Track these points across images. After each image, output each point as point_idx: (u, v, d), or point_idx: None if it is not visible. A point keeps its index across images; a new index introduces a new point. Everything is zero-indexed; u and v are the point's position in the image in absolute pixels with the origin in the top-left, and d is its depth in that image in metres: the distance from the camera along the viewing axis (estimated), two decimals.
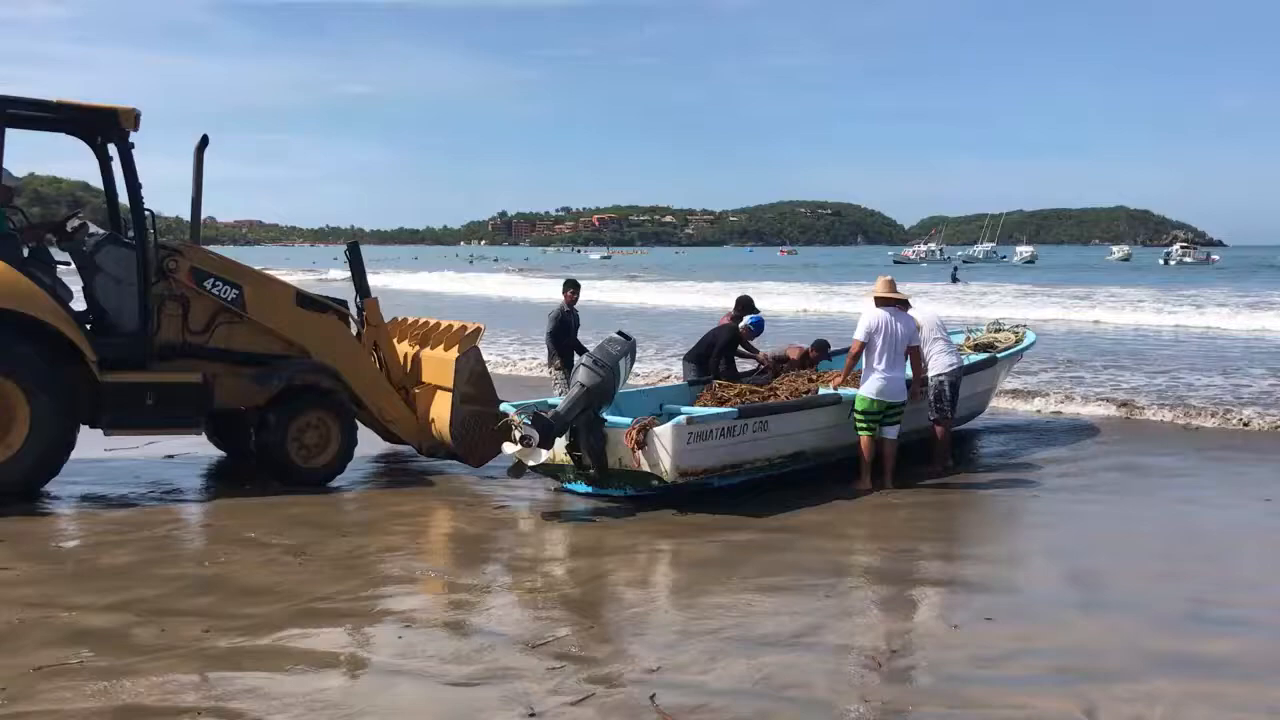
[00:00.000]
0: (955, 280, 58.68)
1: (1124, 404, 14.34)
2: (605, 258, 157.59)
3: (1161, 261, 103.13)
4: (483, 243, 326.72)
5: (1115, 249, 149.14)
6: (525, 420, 8.52)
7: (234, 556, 7.14)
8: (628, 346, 9.14)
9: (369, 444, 10.55)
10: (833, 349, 12.91)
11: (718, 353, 11.77)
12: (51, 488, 8.76)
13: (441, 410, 10.12)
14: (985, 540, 8.39)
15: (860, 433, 9.71)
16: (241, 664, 5.16)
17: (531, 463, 8.49)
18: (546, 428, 8.47)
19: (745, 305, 12.25)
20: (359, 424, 10.10)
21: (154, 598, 6.15)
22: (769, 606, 6.29)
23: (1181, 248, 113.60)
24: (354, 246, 10.90)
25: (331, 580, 6.62)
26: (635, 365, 9.90)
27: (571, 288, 12.53)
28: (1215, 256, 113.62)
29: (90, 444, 9.42)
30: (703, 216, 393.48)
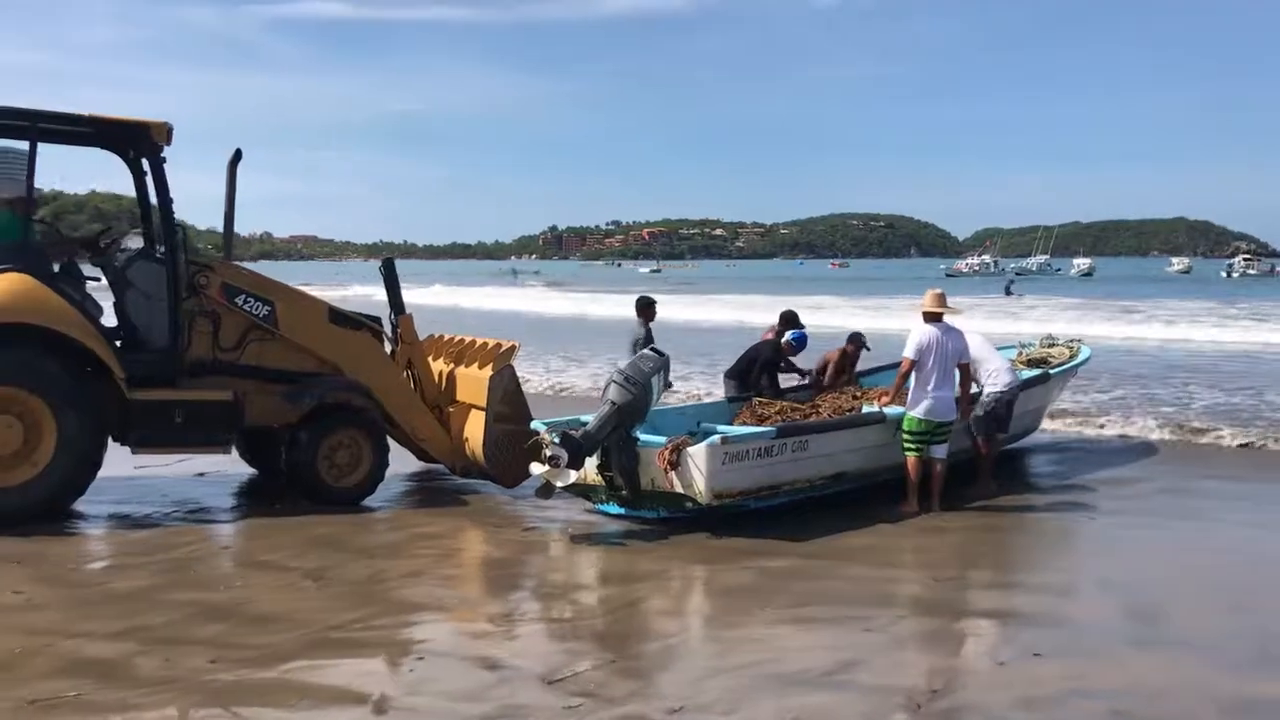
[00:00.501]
0: (1009, 293, 57.58)
1: (1182, 424, 13.70)
2: (655, 271, 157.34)
3: (1224, 274, 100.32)
4: (533, 256, 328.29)
5: (1175, 261, 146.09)
6: (554, 439, 8.27)
7: (251, 580, 6.95)
8: (661, 363, 8.85)
9: (404, 462, 10.37)
10: (878, 365, 12.58)
11: (759, 369, 11.45)
12: (78, 506, 8.64)
13: (475, 429, 9.90)
14: (1035, 568, 7.98)
15: (908, 453, 9.34)
16: (244, 699, 4.93)
17: (560, 484, 8.22)
18: (575, 447, 8.20)
19: (789, 320, 11.92)
20: (393, 442, 9.94)
21: (162, 625, 5.96)
22: (803, 640, 5.97)
23: (1244, 259, 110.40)
24: (389, 262, 10.73)
25: (348, 607, 6.39)
26: (671, 381, 9.56)
27: (648, 306, 11.77)
28: None
29: (121, 461, 9.30)
30: (753, 229, 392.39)
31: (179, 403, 8.92)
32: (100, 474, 8.64)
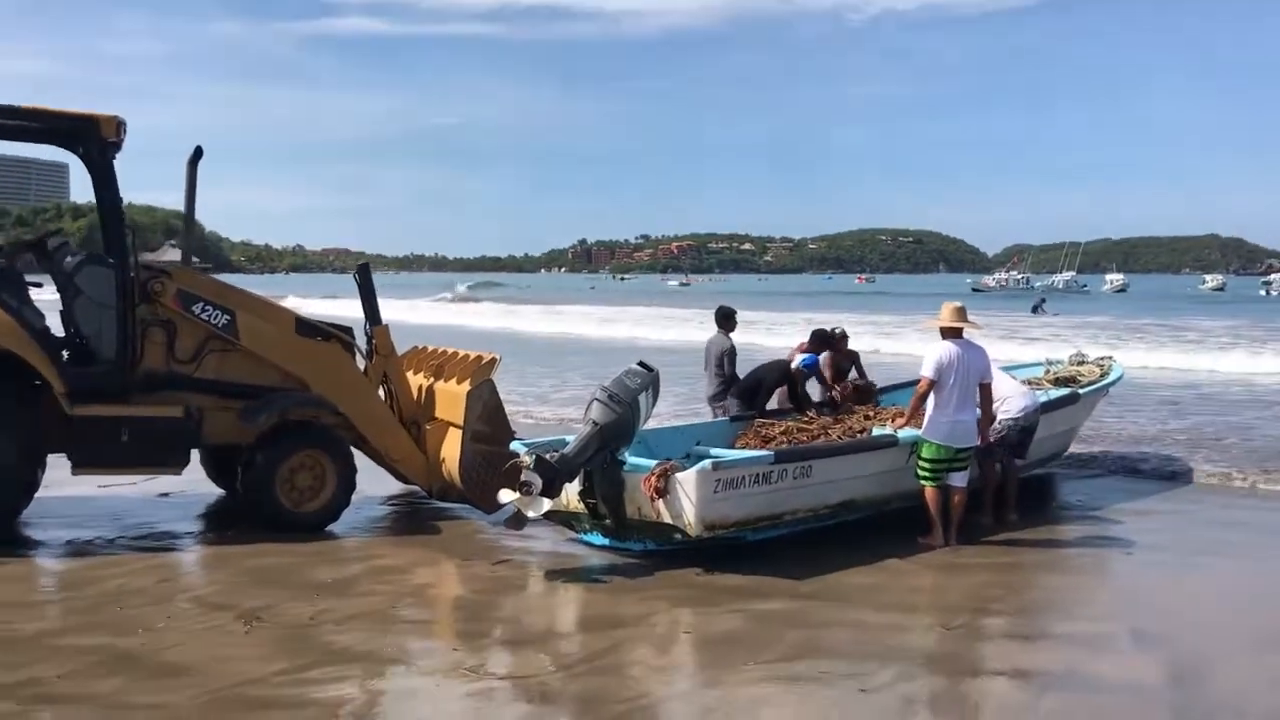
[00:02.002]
0: (1036, 311, 55.29)
1: (1224, 458, 12.66)
2: (684, 284, 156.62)
3: (1262, 292, 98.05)
4: (562, 270, 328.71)
5: (1208, 278, 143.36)
6: (530, 463, 7.49)
7: (175, 621, 6.20)
8: (649, 379, 8.04)
9: (383, 483, 9.66)
10: (897, 383, 11.77)
11: (765, 392, 10.68)
12: (19, 529, 7.95)
13: (452, 449, 9.18)
14: (1060, 614, 7.09)
15: (925, 483, 8.50)
16: None
17: (533, 513, 7.43)
18: (550, 473, 7.42)
19: (821, 340, 11.12)
20: (372, 462, 9.24)
21: (53, 679, 5.22)
22: (788, 703, 5.17)
23: None
24: (364, 269, 10.02)
25: (276, 655, 5.64)
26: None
27: (728, 317, 11.28)
28: None
29: (85, 480, 8.65)
30: (781, 244, 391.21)
31: (126, 419, 8.22)
32: (59, 494, 7.97)
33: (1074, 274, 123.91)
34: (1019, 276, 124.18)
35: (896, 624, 6.57)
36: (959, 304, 8.92)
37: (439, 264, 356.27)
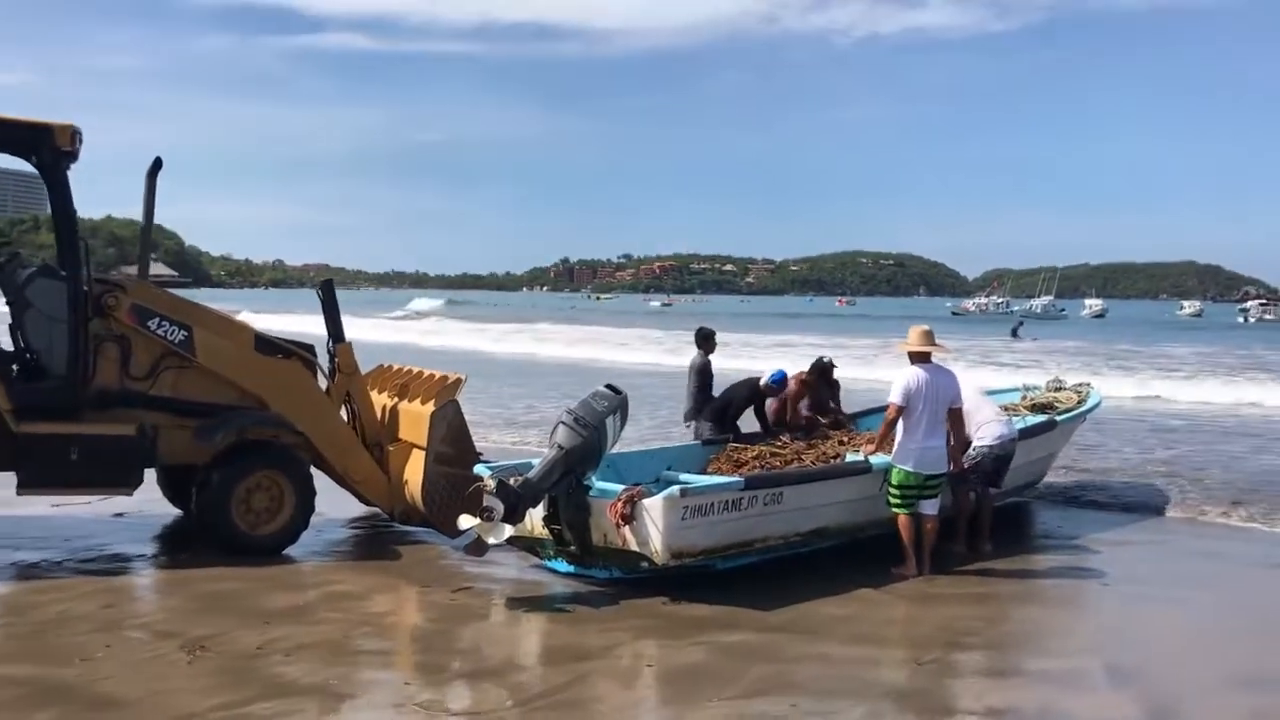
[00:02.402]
0: (1015, 335, 55.51)
1: (1198, 484, 12.54)
2: (665, 305, 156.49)
3: (1240, 319, 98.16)
4: (544, 289, 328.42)
5: (1186, 304, 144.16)
6: (492, 488, 7.27)
7: (115, 651, 5.94)
8: (617, 402, 7.83)
9: (345, 505, 9.42)
10: (870, 408, 11.57)
11: (734, 411, 10.49)
12: None
13: (415, 471, 8.94)
14: (1035, 649, 6.89)
15: (896, 510, 8.32)
16: None
17: (493, 540, 7.20)
18: (513, 499, 7.20)
19: (821, 372, 10.95)
20: (334, 483, 9.00)
21: None
22: None
23: (1261, 304, 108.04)
24: (327, 284, 9.79)
25: (215, 688, 5.39)
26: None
27: (707, 338, 11.09)
28: None
29: (36, 498, 8.33)
30: (763, 265, 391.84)
31: (76, 437, 7.94)
32: (8, 513, 7.70)
33: (1051, 299, 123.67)
34: (999, 300, 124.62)
35: (867, 658, 6.37)
36: (926, 327, 8.75)
37: (420, 280, 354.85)
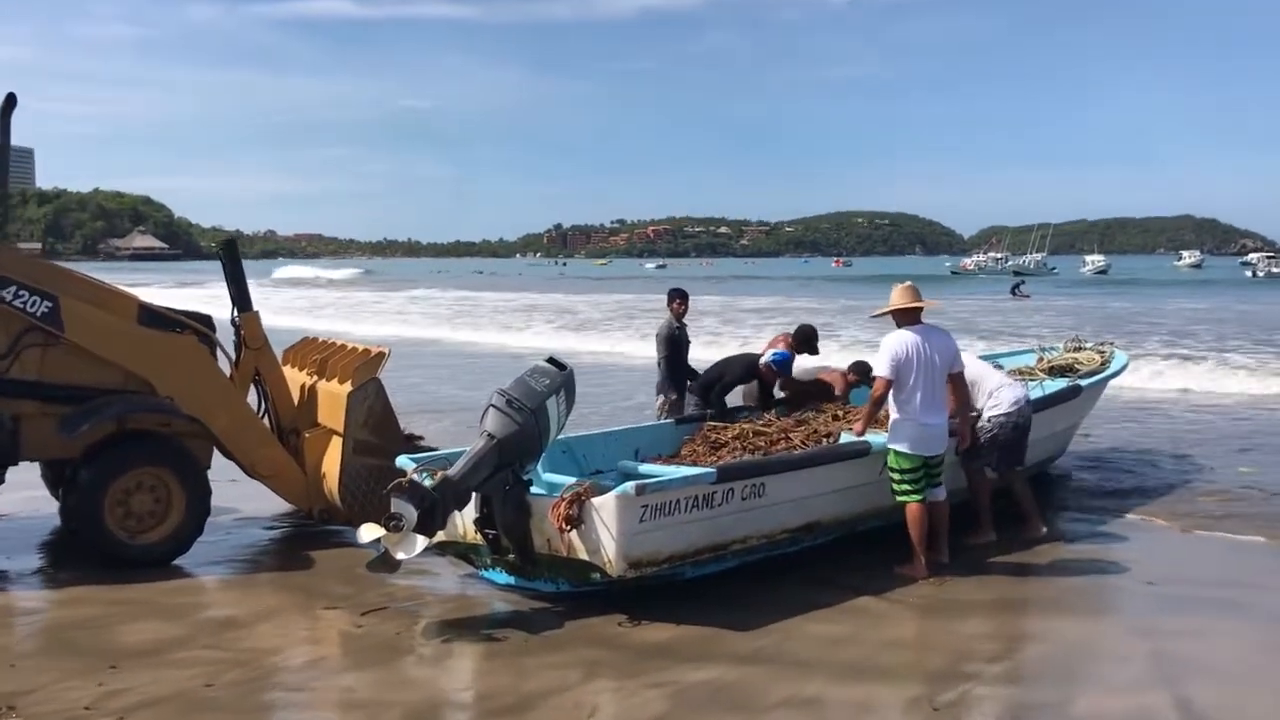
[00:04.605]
0: (1015, 294, 53.28)
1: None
2: (660, 266, 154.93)
3: (1248, 274, 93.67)
4: (538, 255, 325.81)
5: (1185, 254, 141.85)
6: (405, 488, 5.89)
7: None
8: (560, 380, 6.42)
9: (265, 501, 8.09)
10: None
11: (722, 388, 9.15)
12: None
13: (333, 462, 7.61)
14: (1084, 678, 5.49)
15: (908, 499, 6.97)
16: None
17: (403, 555, 5.81)
18: (428, 502, 5.82)
19: (806, 338, 9.56)
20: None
21: None
22: None
23: (1268, 257, 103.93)
24: (230, 244, 8.43)
25: None
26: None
27: (679, 298, 9.99)
28: None
29: None
30: (758, 228, 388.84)
31: None
32: None
33: (1044, 255, 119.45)
34: (998, 257, 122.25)
35: (864, 700, 5.02)
36: (909, 283, 7.34)
37: (413, 249, 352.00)
